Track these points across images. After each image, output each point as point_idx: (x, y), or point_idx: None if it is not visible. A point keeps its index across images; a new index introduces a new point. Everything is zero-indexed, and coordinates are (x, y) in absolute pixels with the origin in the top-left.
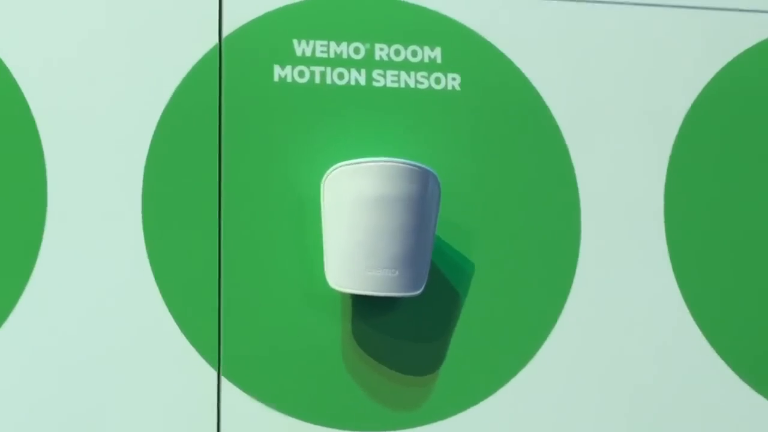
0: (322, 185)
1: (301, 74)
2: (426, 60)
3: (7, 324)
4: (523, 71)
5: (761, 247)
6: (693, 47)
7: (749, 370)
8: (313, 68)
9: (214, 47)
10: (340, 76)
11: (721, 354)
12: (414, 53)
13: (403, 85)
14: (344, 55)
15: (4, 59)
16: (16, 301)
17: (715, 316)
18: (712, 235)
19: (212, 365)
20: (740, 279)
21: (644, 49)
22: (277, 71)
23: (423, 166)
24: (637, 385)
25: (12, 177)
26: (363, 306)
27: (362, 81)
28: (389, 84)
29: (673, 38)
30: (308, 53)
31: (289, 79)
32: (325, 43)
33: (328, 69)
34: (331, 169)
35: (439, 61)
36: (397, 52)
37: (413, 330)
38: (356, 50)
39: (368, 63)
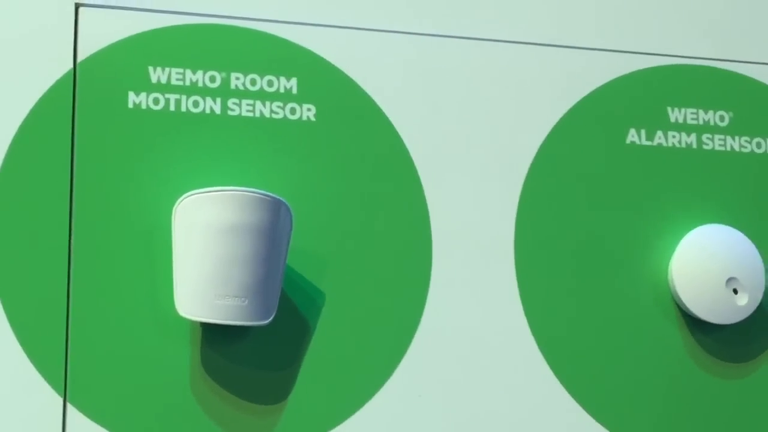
0: (173, 213)
1: (156, 101)
2: (282, 90)
3: None
4: (379, 104)
5: (606, 282)
6: (547, 84)
7: (591, 399)
8: (168, 95)
9: (68, 72)
10: (195, 104)
11: (564, 383)
12: (270, 83)
13: (258, 114)
14: (200, 83)
15: None
16: None
17: (561, 347)
18: (560, 267)
19: (58, 392)
20: (585, 312)
21: (498, 84)
22: (132, 98)
23: (274, 195)
24: (483, 414)
25: None
26: (213, 334)
27: (217, 110)
28: (244, 113)
29: (525, 75)
30: (164, 80)
31: (143, 106)
32: (180, 70)
33: (183, 97)
34: (182, 196)
35: (294, 91)
36: (253, 82)
37: (263, 359)
38: (212, 78)
39: (224, 92)
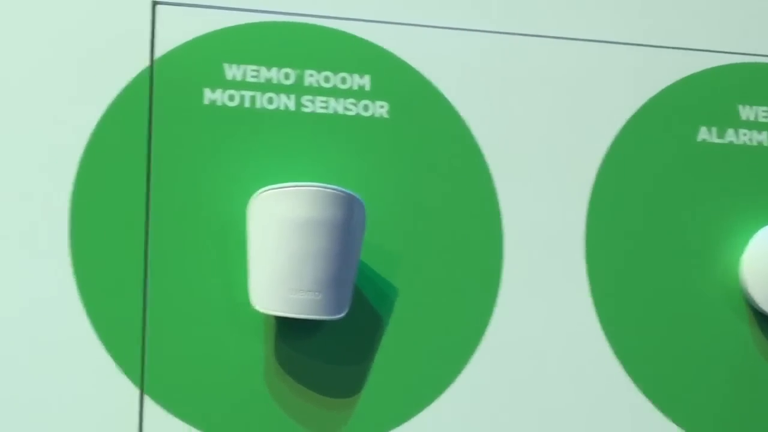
0: (248, 208)
1: (231, 98)
2: (355, 87)
3: None
4: (450, 101)
5: (677, 279)
6: (618, 82)
7: (660, 395)
8: (243, 92)
9: (146, 69)
10: (270, 100)
11: (634, 379)
12: (343, 80)
13: (331, 111)
14: (274, 80)
15: None
16: None
17: (631, 344)
18: (631, 264)
19: (135, 383)
20: (656, 310)
21: (570, 82)
22: (208, 94)
23: (348, 191)
24: (553, 410)
25: None
26: (286, 328)
27: (291, 106)
28: (318, 110)
29: (598, 72)
30: (239, 77)
31: (219, 103)
32: (255, 67)
33: (258, 93)
34: (257, 192)
35: (368, 88)
36: (327, 79)
37: (336, 353)
38: (286, 75)
39: (298, 88)
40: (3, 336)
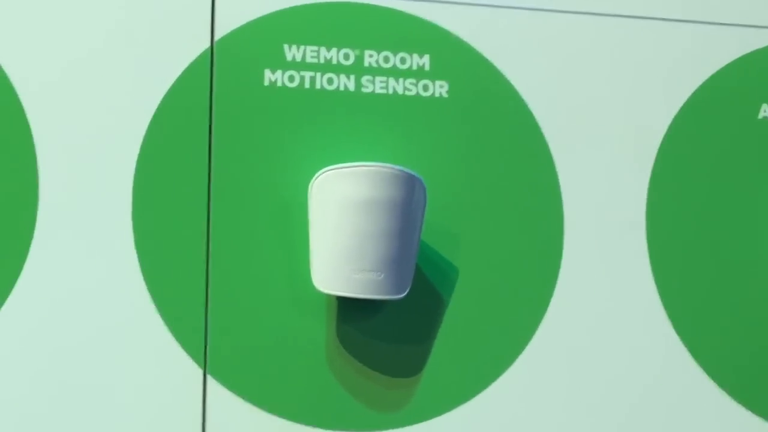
0: (309, 189)
1: (291, 79)
2: (414, 67)
3: None
4: (510, 80)
5: (740, 257)
6: (677, 59)
7: (723, 376)
8: (303, 73)
9: (206, 51)
10: (330, 81)
11: (697, 359)
12: (403, 60)
13: (391, 91)
14: (334, 61)
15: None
16: (3, 302)
17: (693, 322)
18: (692, 241)
19: (198, 363)
20: (718, 288)
21: (629, 61)
22: (268, 75)
23: (409, 171)
24: (615, 387)
25: (4, 178)
26: (348, 308)
27: (351, 86)
28: (378, 90)
29: (658, 50)
30: (299, 58)
31: (279, 83)
32: (315, 48)
33: (318, 74)
34: (318, 173)
35: (427, 68)
36: (386, 59)
37: (397, 332)
38: (346, 56)
39: (357, 69)
40: (67, 318)
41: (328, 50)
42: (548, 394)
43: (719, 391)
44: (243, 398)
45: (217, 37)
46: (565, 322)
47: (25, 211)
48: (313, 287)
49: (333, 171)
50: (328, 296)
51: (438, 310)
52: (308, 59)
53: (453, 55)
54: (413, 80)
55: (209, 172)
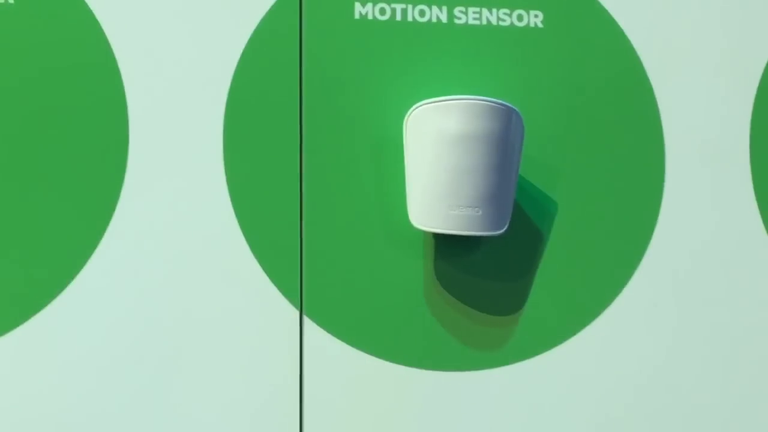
0: (404, 123)
1: (382, 11)
2: None
3: (89, 265)
4: (607, 8)
5: None
6: None
7: None
8: (394, 5)
9: None
10: (422, 13)
11: None
12: None
13: (484, 22)
14: None
15: None
16: (96, 245)
17: None
18: None
19: (294, 305)
20: None
21: None
22: (358, 8)
23: (506, 103)
24: (721, 315)
25: (94, 121)
26: (445, 245)
27: (444, 18)
28: (471, 21)
29: None
30: None
31: (369, 16)
32: None
33: (410, 6)
34: (413, 107)
35: None
36: None
37: (496, 270)
38: None
39: (450, 0)
40: (167, 266)
41: None
42: (650, 331)
43: None
44: (340, 338)
45: None
46: (669, 255)
47: (115, 155)
48: (410, 224)
49: (428, 105)
50: (425, 233)
51: (538, 246)
52: None
53: None
54: (507, 10)
55: (300, 108)
